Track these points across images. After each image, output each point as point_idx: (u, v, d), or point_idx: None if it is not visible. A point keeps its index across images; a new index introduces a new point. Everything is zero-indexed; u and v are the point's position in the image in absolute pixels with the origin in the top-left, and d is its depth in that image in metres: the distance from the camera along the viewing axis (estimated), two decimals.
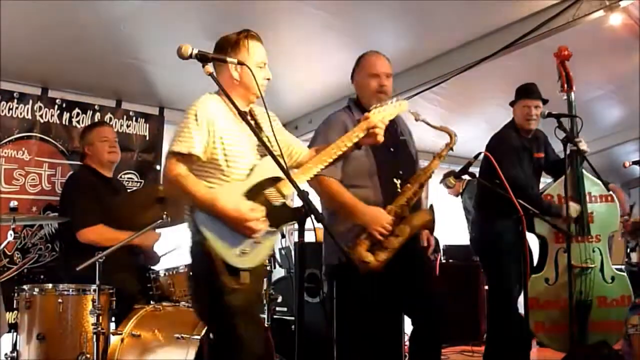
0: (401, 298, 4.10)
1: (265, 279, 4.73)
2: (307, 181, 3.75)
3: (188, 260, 4.87)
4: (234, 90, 3.41)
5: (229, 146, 3.34)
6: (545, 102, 5.31)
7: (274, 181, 3.38)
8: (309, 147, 4.05)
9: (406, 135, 4.38)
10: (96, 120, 6.12)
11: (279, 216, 3.35)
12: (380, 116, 3.63)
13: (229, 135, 3.36)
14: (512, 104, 5.45)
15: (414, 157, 4.36)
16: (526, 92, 5.33)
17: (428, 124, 4.07)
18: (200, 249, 3.27)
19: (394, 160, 4.12)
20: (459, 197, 8.42)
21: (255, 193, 3.31)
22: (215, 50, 3.50)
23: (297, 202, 3.41)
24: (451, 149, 4.13)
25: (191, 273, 3.59)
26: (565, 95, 5.19)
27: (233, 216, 3.20)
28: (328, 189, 4.00)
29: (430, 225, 4.13)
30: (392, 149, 4.16)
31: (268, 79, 3.56)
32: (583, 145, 5.09)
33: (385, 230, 3.87)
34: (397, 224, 3.93)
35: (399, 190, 4.04)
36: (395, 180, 4.09)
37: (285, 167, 3.01)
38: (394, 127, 4.25)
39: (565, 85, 5.19)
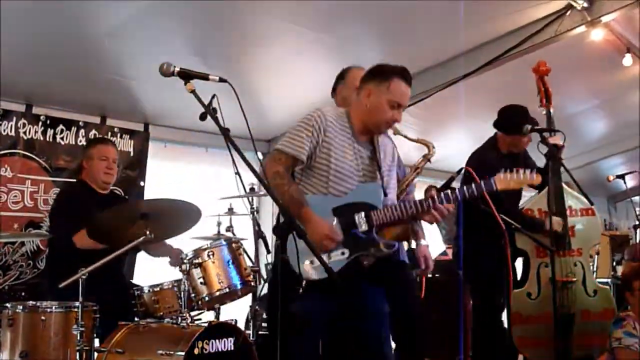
0: (382, 313, 4.10)
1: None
2: None
3: (172, 276, 4.93)
4: (360, 116, 3.67)
5: (335, 160, 3.54)
6: (535, 123, 5.26)
7: (367, 207, 3.52)
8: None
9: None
10: (80, 137, 6.11)
11: (358, 242, 3.50)
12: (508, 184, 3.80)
13: (339, 151, 3.56)
14: (500, 129, 5.40)
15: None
16: (519, 128, 5.30)
17: (406, 137, 4.09)
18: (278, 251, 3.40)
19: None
20: None
21: (344, 212, 3.49)
22: (367, 72, 3.74)
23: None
24: (429, 160, 4.15)
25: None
26: (544, 110, 5.20)
27: (315, 224, 3.37)
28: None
29: (405, 237, 4.14)
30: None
31: (396, 121, 3.69)
32: (557, 140, 5.06)
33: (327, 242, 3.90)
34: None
35: None
36: None
37: (267, 183, 3.01)
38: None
39: (544, 100, 5.20)
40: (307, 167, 3.58)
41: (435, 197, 3.63)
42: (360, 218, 3.51)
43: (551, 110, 5.21)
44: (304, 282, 3.37)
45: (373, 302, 3.89)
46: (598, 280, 5.88)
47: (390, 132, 4.10)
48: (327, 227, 3.41)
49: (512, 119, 5.26)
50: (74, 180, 5.53)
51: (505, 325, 4.88)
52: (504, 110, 5.32)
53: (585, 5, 5.62)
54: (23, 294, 5.60)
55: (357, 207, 3.53)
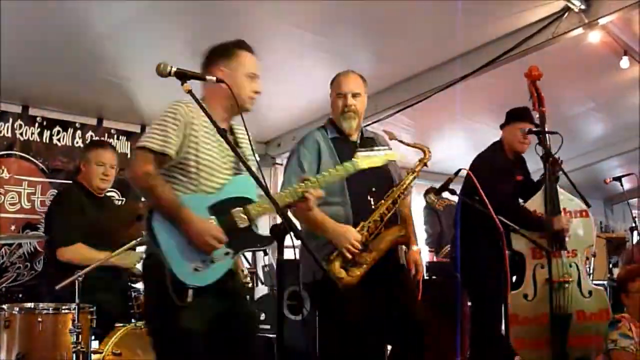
0: (381, 317, 4.10)
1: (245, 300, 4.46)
2: None
3: None
4: (221, 102, 3.39)
5: (203, 155, 3.25)
6: (537, 125, 5.29)
7: (243, 202, 3.28)
8: (287, 165, 4.18)
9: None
10: (77, 138, 6.11)
11: (241, 239, 3.25)
12: (366, 162, 3.59)
13: (206, 145, 3.28)
14: (502, 126, 5.45)
15: (392, 173, 4.35)
16: (521, 115, 5.34)
17: (402, 142, 4.11)
18: (152, 260, 3.16)
19: (367, 178, 4.09)
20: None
21: (220, 210, 3.22)
22: (207, 57, 3.50)
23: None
24: (425, 164, 4.16)
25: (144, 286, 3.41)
26: (537, 114, 5.22)
27: (197, 227, 3.09)
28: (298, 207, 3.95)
29: (403, 241, 4.16)
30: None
31: (257, 92, 3.49)
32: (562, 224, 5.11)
33: (354, 248, 3.89)
34: (371, 240, 3.96)
35: (373, 207, 4.06)
36: (368, 197, 4.11)
37: (264, 183, 3.00)
38: (371, 144, 4.28)
39: (537, 105, 5.22)
40: (173, 165, 3.24)
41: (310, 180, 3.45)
42: (238, 213, 3.25)
43: (545, 114, 5.22)
44: (190, 291, 3.08)
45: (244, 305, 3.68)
46: (594, 282, 5.88)
47: (385, 136, 4.13)
48: (212, 227, 3.14)
49: (511, 112, 5.32)
50: (71, 181, 5.52)
51: (503, 326, 4.87)
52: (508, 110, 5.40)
53: (583, 7, 5.62)
54: (20, 295, 5.60)
55: (233, 202, 3.27)
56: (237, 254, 3.32)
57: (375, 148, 3.76)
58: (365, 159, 3.58)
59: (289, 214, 3.41)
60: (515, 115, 5.37)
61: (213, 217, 3.18)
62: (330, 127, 4.31)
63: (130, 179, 3.15)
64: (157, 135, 3.17)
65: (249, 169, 3.01)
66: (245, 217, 3.25)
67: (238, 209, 3.25)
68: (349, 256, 3.87)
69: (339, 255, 3.90)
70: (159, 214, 3.10)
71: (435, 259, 8.31)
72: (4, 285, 5.62)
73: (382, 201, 4.06)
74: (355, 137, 4.30)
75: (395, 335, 4.20)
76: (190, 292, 3.07)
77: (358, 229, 3.97)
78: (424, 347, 4.16)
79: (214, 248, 3.13)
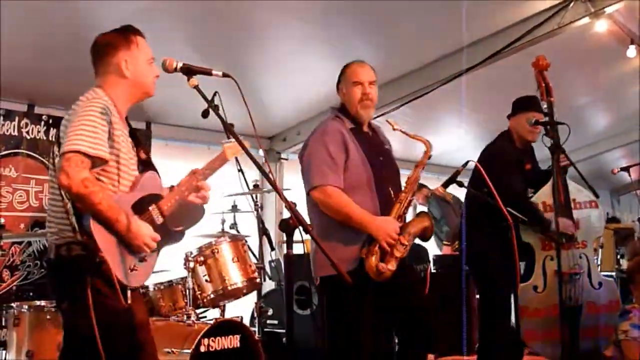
0: (391, 311, 4.08)
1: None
2: (310, 192, 3.84)
3: (177, 274, 4.92)
4: (126, 88, 3.28)
5: (123, 154, 3.12)
6: (545, 115, 5.27)
7: (155, 198, 3.20)
8: (300, 156, 4.09)
9: (387, 144, 4.37)
10: None
11: (161, 235, 3.16)
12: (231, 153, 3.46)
13: (122, 141, 3.14)
14: (510, 116, 5.41)
15: (397, 165, 4.34)
16: (530, 104, 5.30)
17: (404, 132, 4.08)
18: (88, 260, 2.95)
19: (384, 169, 4.10)
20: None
21: (139, 208, 3.11)
22: (100, 48, 3.38)
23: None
24: (429, 157, 4.14)
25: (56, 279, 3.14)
26: (545, 104, 5.18)
27: (136, 229, 2.98)
28: (334, 199, 3.91)
29: (429, 233, 4.14)
30: (381, 157, 4.15)
31: (157, 77, 3.37)
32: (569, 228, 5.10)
33: (393, 240, 3.86)
34: (400, 233, 3.92)
35: (394, 199, 4.04)
36: (389, 189, 4.05)
37: (272, 178, 2.99)
38: (378, 136, 4.26)
39: (545, 95, 5.18)
40: (98, 165, 3.03)
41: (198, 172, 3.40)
42: (154, 211, 3.16)
43: (553, 104, 5.19)
44: (129, 292, 3.01)
45: None
46: (602, 273, 5.86)
47: (389, 127, 4.10)
48: (148, 228, 3.05)
49: (519, 101, 5.29)
50: None
51: (513, 319, 4.86)
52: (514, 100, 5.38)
53: None
54: (31, 294, 5.59)
55: (147, 200, 3.17)
56: (159, 250, 3.23)
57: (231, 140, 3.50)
58: (231, 150, 3.46)
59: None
60: (523, 105, 5.33)
61: (135, 215, 3.07)
62: (346, 118, 4.15)
63: (65, 186, 2.87)
64: (91, 138, 2.94)
65: (252, 158, 2.99)
66: (160, 213, 3.17)
67: (153, 205, 3.16)
68: (388, 249, 3.84)
69: (379, 248, 3.84)
70: (95, 218, 2.90)
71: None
72: (14, 283, 5.62)
73: (403, 194, 4.01)
74: (366, 127, 4.22)
75: (403, 328, 4.18)
76: (129, 292, 3.02)
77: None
78: (431, 339, 4.14)
79: (149, 247, 3.05)
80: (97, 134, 2.96)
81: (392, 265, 3.82)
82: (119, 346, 2.98)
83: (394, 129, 4.06)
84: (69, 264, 3.00)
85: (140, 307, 3.30)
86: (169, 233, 3.23)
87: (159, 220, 3.16)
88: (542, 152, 5.35)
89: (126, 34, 3.35)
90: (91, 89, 3.22)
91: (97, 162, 2.98)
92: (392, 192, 4.04)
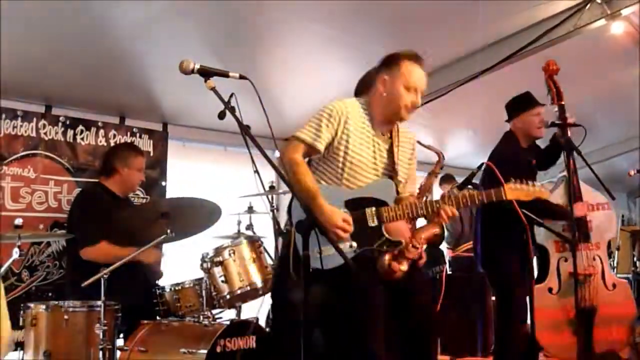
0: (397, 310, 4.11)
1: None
2: None
3: (194, 275, 4.94)
4: (380, 105, 3.65)
5: (352, 153, 3.53)
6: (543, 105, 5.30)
7: (379, 203, 3.52)
8: None
9: None
10: (100, 137, 6.15)
11: (368, 237, 3.48)
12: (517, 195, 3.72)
13: (356, 143, 3.55)
14: (512, 117, 5.39)
15: None
16: (531, 101, 5.31)
17: (419, 142, 4.17)
18: (286, 238, 3.45)
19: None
20: None
21: (355, 206, 3.49)
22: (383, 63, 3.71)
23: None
24: (442, 167, 4.26)
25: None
26: (556, 108, 5.17)
27: (327, 214, 3.32)
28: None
29: (439, 239, 4.22)
30: None
31: (414, 104, 3.62)
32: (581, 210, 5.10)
33: (406, 241, 3.89)
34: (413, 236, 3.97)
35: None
36: None
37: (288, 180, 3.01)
38: None
39: (556, 98, 5.18)
40: (323, 157, 3.60)
41: (446, 197, 3.63)
42: (371, 213, 3.51)
43: (564, 107, 5.18)
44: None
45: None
46: (619, 276, 5.86)
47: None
48: (340, 218, 3.37)
49: (519, 100, 5.28)
50: (95, 181, 5.57)
51: (529, 320, 4.86)
52: (509, 101, 5.37)
53: None
54: (50, 294, 5.61)
55: (369, 201, 3.53)
56: (362, 249, 3.51)
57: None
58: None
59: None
60: (526, 103, 5.32)
61: (346, 210, 3.44)
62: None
63: (282, 162, 3.52)
64: (311, 129, 3.55)
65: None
66: (376, 217, 3.49)
67: (372, 208, 3.51)
68: (402, 250, 3.90)
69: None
70: (297, 197, 3.26)
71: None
72: (34, 284, 5.65)
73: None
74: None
75: (405, 332, 4.19)
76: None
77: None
78: (428, 348, 4.18)
79: (339, 238, 3.33)
80: (319, 127, 3.56)
81: (404, 267, 3.87)
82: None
83: None
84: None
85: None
86: (382, 238, 3.53)
87: (374, 222, 3.51)
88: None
89: (399, 57, 3.74)
90: None
91: (313, 150, 3.57)
92: None
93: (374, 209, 3.51)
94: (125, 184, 5.36)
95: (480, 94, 6.88)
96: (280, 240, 3.80)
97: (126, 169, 5.28)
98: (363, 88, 4.31)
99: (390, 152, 3.70)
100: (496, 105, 5.67)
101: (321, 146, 3.53)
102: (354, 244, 3.45)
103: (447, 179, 7.91)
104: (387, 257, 3.87)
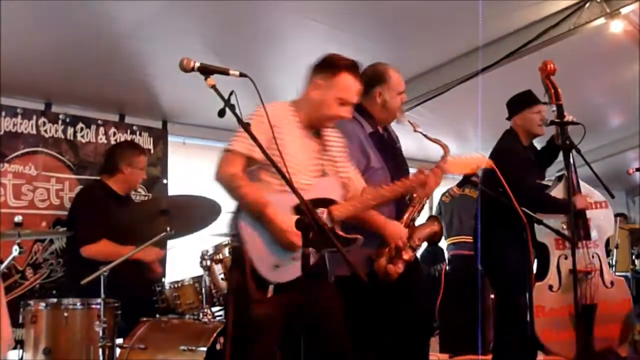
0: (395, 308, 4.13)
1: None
2: None
3: (193, 273, 4.95)
4: (307, 108, 3.54)
5: (288, 157, 3.31)
6: (544, 104, 5.31)
7: (326, 202, 3.41)
8: None
9: (398, 143, 4.43)
10: (100, 134, 6.16)
11: (323, 239, 3.16)
12: (458, 168, 3.76)
13: (290, 146, 3.39)
14: (512, 115, 5.40)
15: (407, 165, 4.40)
16: (530, 98, 5.31)
17: (425, 135, 4.11)
18: (237, 254, 3.31)
19: (397, 171, 4.16)
20: None
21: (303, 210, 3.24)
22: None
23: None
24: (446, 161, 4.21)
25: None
26: (554, 107, 5.17)
27: (280, 226, 3.20)
28: None
29: (438, 237, 4.22)
30: (397, 160, 4.24)
31: (340, 118, 3.59)
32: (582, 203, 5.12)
33: (403, 243, 3.93)
34: (409, 236, 4.01)
35: (408, 202, 4.12)
36: None
37: (288, 177, 3.00)
38: (391, 135, 4.32)
39: (554, 98, 5.18)
40: (260, 166, 3.38)
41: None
42: (322, 214, 3.34)
43: (562, 106, 5.18)
44: (270, 287, 3.22)
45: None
46: (618, 274, 5.88)
47: (410, 128, 4.14)
48: (294, 226, 3.13)
49: (519, 99, 5.29)
50: (96, 178, 5.58)
51: (528, 318, 4.87)
52: (510, 99, 5.40)
53: None
54: (54, 291, 5.62)
55: (316, 203, 3.32)
56: (319, 253, 3.38)
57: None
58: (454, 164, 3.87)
59: None
60: (527, 101, 5.33)
61: (297, 216, 3.16)
62: (365, 121, 4.23)
63: (216, 180, 3.30)
64: (244, 138, 3.25)
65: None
66: (328, 217, 3.36)
67: (321, 209, 3.35)
68: (399, 252, 3.93)
69: (389, 251, 3.94)
70: (246, 212, 3.21)
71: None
72: (37, 281, 5.66)
73: (416, 197, 4.10)
74: (382, 131, 4.32)
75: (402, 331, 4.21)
76: (271, 287, 3.20)
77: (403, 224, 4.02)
78: (422, 346, 4.29)
79: (297, 246, 3.15)
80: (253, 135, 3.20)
81: (400, 268, 3.90)
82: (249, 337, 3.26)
83: (414, 131, 4.11)
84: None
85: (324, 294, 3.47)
86: (338, 238, 3.30)
87: (328, 224, 3.29)
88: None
89: (337, 66, 3.58)
90: None
91: (251, 160, 3.34)
92: (407, 197, 4.11)
93: (323, 209, 3.38)
94: (128, 183, 5.38)
95: (480, 92, 6.89)
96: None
97: (129, 168, 5.29)
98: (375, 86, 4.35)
99: (325, 151, 3.57)
100: (496, 103, 5.68)
101: (258, 155, 3.22)
102: (312, 249, 3.15)
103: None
104: (383, 259, 3.90)
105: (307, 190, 3.31)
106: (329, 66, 3.57)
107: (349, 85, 3.54)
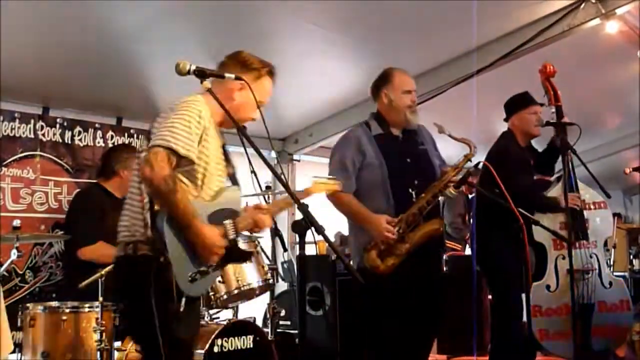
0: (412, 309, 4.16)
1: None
2: (327, 197, 3.96)
3: None
4: (227, 108, 3.17)
5: (209, 159, 3.12)
6: (541, 105, 5.33)
7: (232, 213, 3.17)
8: (329, 164, 4.37)
9: (428, 145, 4.48)
10: (98, 138, 6.17)
11: (228, 252, 3.08)
12: (317, 189, 3.56)
13: (213, 150, 3.17)
14: (509, 116, 5.41)
15: (435, 166, 4.43)
16: (527, 99, 5.33)
17: (451, 136, 4.22)
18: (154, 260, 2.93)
19: (410, 171, 4.29)
20: None
21: (215, 220, 3.07)
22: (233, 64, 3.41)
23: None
24: (469, 160, 4.28)
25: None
26: (553, 108, 5.18)
27: (209, 237, 2.96)
28: (339, 201, 4.21)
29: (439, 235, 4.27)
30: (408, 160, 4.34)
31: (253, 120, 3.41)
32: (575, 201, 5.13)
33: (386, 237, 4.02)
34: (408, 232, 4.09)
35: (414, 200, 4.19)
36: (410, 190, 4.24)
37: (284, 180, 3.02)
38: (414, 137, 4.39)
39: (553, 100, 5.19)
40: (182, 169, 3.03)
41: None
42: (229, 225, 3.10)
43: (561, 108, 5.19)
44: (183, 300, 2.96)
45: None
46: (616, 274, 5.88)
47: (435, 129, 4.23)
48: (220, 239, 3.01)
49: (517, 100, 5.31)
50: (93, 181, 5.58)
51: (525, 319, 4.88)
52: (507, 100, 5.43)
53: None
54: (54, 295, 5.61)
55: (224, 213, 3.14)
56: (222, 267, 3.22)
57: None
58: (319, 186, 3.59)
59: None
60: (524, 102, 5.34)
61: (217, 227, 3.06)
62: (375, 123, 4.44)
63: (147, 179, 2.87)
64: (182, 137, 2.94)
65: (271, 167, 3.03)
66: (234, 229, 3.12)
67: (229, 220, 3.11)
68: (382, 246, 4.03)
69: (376, 245, 4.05)
70: (171, 218, 2.89)
71: None
72: (37, 285, 5.66)
73: (422, 195, 4.19)
74: (397, 132, 4.44)
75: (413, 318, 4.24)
76: (184, 300, 2.97)
77: (397, 220, 4.09)
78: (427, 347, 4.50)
79: (216, 259, 3.03)
80: (189, 134, 2.97)
81: (388, 262, 3.97)
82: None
83: (439, 132, 4.28)
84: (134, 262, 3.00)
85: (194, 322, 3.36)
86: (239, 251, 3.18)
87: (232, 235, 3.09)
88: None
89: (261, 68, 3.50)
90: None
91: (183, 163, 2.98)
92: (413, 194, 4.22)
93: (230, 220, 3.11)
94: (125, 186, 5.34)
95: (476, 93, 6.90)
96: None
97: (126, 172, 5.28)
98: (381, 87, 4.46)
99: (225, 156, 3.33)
100: (492, 104, 5.70)
101: (194, 157, 3.00)
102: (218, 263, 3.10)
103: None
104: (373, 252, 3.97)
105: (218, 200, 3.16)
106: (245, 64, 3.47)
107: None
